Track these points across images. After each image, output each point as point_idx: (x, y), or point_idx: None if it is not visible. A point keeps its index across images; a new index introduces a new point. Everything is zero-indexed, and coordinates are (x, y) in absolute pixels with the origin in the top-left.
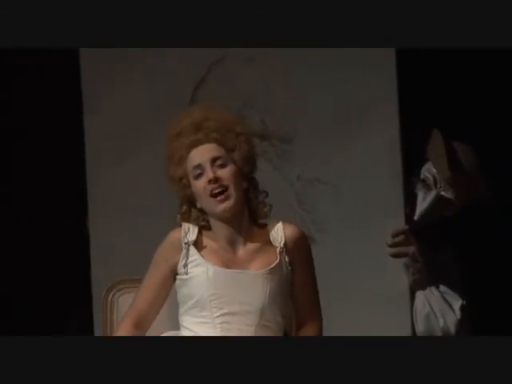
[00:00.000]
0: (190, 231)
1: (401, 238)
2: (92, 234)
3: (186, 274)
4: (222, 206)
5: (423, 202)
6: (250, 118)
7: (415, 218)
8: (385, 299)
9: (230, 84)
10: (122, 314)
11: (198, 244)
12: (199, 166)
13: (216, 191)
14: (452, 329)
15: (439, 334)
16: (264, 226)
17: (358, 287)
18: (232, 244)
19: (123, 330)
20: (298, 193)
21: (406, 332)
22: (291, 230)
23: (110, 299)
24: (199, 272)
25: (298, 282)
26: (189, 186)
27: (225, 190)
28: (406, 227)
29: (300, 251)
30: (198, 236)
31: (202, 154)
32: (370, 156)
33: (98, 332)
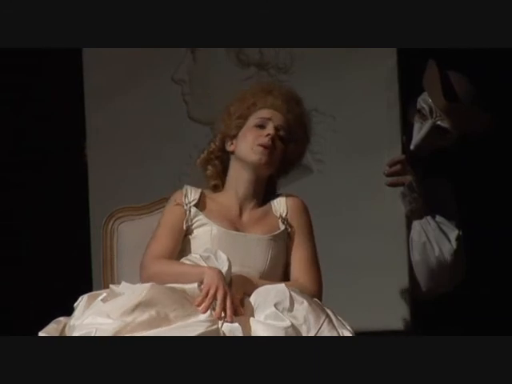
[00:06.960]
0: (190, 193)
1: (397, 167)
2: (90, 162)
3: (191, 234)
4: (261, 155)
5: (419, 132)
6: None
7: (411, 147)
8: (382, 228)
9: None
10: (122, 242)
11: (200, 205)
12: (268, 120)
13: (266, 145)
14: (448, 258)
15: (434, 262)
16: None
17: (355, 216)
18: (241, 206)
19: (155, 265)
20: None
21: (402, 261)
22: (293, 201)
23: (109, 227)
24: (203, 232)
25: (295, 243)
26: (240, 126)
27: (271, 150)
28: (403, 157)
29: (300, 219)
30: (200, 198)
31: (275, 115)
32: (367, 86)
33: (96, 261)
